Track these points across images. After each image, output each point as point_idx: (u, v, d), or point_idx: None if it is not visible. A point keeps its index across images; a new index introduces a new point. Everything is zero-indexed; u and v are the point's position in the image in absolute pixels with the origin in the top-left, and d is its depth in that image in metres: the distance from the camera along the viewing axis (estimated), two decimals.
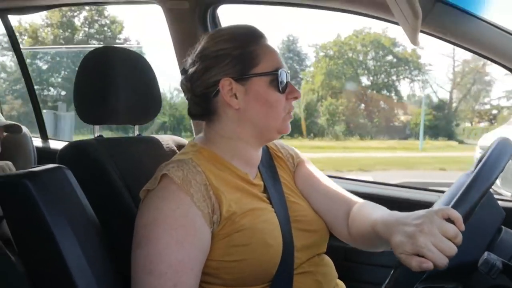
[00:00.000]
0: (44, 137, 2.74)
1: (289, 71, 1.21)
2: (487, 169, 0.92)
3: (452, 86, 19.90)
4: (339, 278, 1.29)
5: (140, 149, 1.41)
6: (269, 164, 1.31)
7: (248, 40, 1.18)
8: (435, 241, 0.87)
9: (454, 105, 20.31)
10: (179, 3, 1.92)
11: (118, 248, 1.15)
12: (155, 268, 1.00)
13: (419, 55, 20.78)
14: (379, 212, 1.14)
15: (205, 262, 1.07)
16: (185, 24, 1.98)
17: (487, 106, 20.09)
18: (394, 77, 21.67)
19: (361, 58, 21.78)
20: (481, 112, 19.64)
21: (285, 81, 1.17)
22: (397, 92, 21.99)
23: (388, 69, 21.52)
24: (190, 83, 1.19)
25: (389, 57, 21.48)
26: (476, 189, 0.90)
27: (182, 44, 2.00)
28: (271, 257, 1.09)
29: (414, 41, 1.25)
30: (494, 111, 19.20)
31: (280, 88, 1.16)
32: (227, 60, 1.15)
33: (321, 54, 21.65)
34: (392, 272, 1.15)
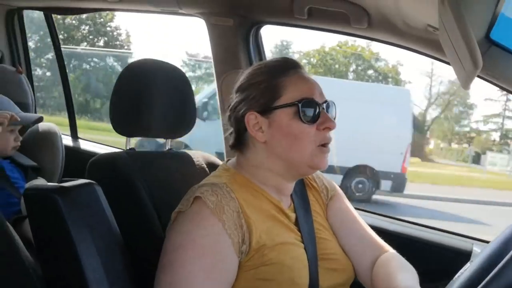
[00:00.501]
0: (75, 136, 2.76)
1: (326, 101, 1.17)
2: None
3: (427, 105, 19.82)
4: None
5: (171, 165, 1.40)
6: (302, 194, 1.28)
7: (278, 71, 1.16)
8: None
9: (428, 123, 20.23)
10: (224, 20, 1.92)
11: (141, 269, 1.13)
12: None
13: (400, 72, 20.95)
14: (404, 277, 1.10)
15: None
16: (227, 40, 1.99)
17: (467, 128, 20.07)
18: None
19: (342, 69, 21.90)
20: (460, 133, 19.71)
21: (312, 111, 1.13)
22: None
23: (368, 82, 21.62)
24: (229, 117, 1.21)
25: (370, 71, 21.52)
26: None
27: (222, 60, 2.00)
28: None
29: (466, 86, 1.20)
30: (473, 134, 19.14)
31: (304, 119, 1.12)
32: (254, 94, 1.15)
33: (304, 61, 21.81)
34: None
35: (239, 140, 1.19)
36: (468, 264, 1.11)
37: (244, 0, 1.81)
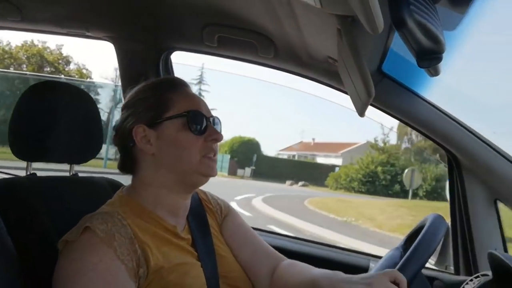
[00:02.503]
0: None
1: (212, 116, 1.22)
2: (427, 242, 0.97)
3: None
4: None
5: (75, 190, 1.35)
6: (200, 215, 1.29)
7: (165, 88, 1.19)
8: None
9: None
10: (134, 45, 1.92)
11: None
12: None
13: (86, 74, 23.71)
14: (318, 270, 1.18)
15: None
16: (137, 65, 1.97)
17: None
18: None
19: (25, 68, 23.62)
20: None
21: (200, 123, 1.16)
22: None
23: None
24: (115, 137, 1.21)
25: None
26: (416, 260, 0.94)
27: (131, 84, 1.96)
28: None
29: (361, 113, 1.31)
30: None
31: (192, 130, 1.15)
32: (142, 108, 1.16)
33: None
34: None
35: (128, 158, 1.19)
36: None
37: (154, 25, 1.81)
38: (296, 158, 33.90)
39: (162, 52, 1.97)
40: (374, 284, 0.98)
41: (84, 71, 25.65)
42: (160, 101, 1.16)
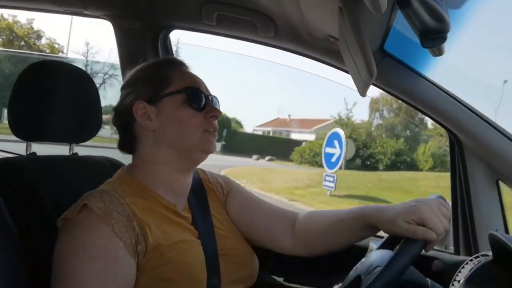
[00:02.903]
0: None
1: (210, 95, 1.24)
2: None
3: None
4: None
5: (75, 170, 1.35)
6: (200, 194, 1.31)
7: (164, 66, 1.22)
8: (436, 213, 1.01)
9: None
10: (132, 23, 1.89)
11: (44, 279, 1.06)
12: None
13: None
14: (341, 210, 1.26)
15: None
16: (135, 44, 1.95)
17: None
18: None
19: None
20: None
21: (201, 100, 1.19)
22: None
23: None
24: (115, 116, 1.22)
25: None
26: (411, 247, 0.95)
27: (130, 64, 1.93)
28: None
29: (363, 93, 1.30)
30: None
31: (192, 106, 1.17)
32: (142, 85, 1.19)
33: None
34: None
35: (128, 136, 1.21)
36: (363, 259, 1.20)
37: (153, 3, 1.79)
38: (271, 134, 33.81)
39: (161, 31, 1.94)
40: (426, 201, 1.06)
41: (56, 45, 25.38)
42: (159, 78, 1.19)
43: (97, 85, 1.46)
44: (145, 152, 1.19)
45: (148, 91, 1.17)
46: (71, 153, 1.46)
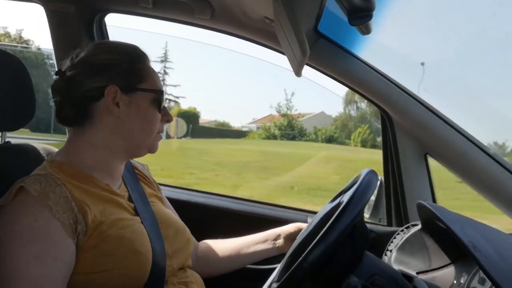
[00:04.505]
0: None
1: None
2: (359, 196, 1.01)
3: None
4: None
5: (7, 158, 1.30)
6: (131, 174, 1.34)
7: (136, 57, 1.23)
8: None
9: None
10: (64, 6, 1.83)
11: None
12: (14, 286, 0.94)
13: None
14: (235, 239, 1.55)
15: (72, 277, 1.02)
16: (69, 28, 1.89)
17: None
18: None
19: None
20: None
21: (163, 103, 1.23)
22: None
23: None
24: (67, 85, 1.17)
25: None
26: (350, 214, 0.98)
27: (64, 49, 1.89)
28: (141, 265, 1.09)
29: (298, 73, 1.34)
30: None
31: (158, 109, 1.21)
32: (116, 70, 1.17)
33: None
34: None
35: (81, 112, 1.17)
36: (301, 232, 1.25)
37: None
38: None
39: (95, 14, 1.89)
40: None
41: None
42: (134, 70, 1.19)
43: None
44: (96, 134, 1.17)
45: (124, 79, 1.17)
46: (3, 141, 1.40)
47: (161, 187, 1.50)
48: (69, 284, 1.02)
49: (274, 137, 24.75)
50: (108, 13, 1.93)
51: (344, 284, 0.96)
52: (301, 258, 0.95)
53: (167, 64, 33.84)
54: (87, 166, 1.17)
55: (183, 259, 1.26)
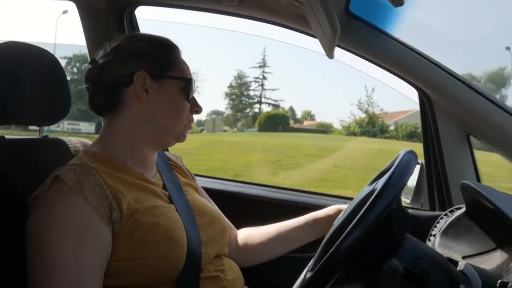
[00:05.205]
0: None
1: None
2: (395, 179, 0.96)
3: None
4: (246, 283, 1.31)
5: (45, 152, 1.33)
6: (165, 164, 1.36)
7: (166, 46, 1.24)
8: None
9: None
10: (95, 1, 1.85)
11: (18, 266, 1.03)
12: (52, 274, 0.95)
13: None
14: (277, 224, 1.52)
15: (108, 264, 1.03)
16: (100, 23, 1.92)
17: None
18: None
19: None
20: None
21: (192, 93, 1.23)
22: None
23: None
24: (98, 72, 1.19)
25: None
26: (385, 198, 0.94)
27: (97, 44, 1.90)
28: (176, 252, 1.09)
29: (330, 54, 1.30)
30: None
31: (187, 98, 1.21)
32: (146, 57, 1.19)
33: None
34: (302, 277, 1.18)
35: (111, 98, 1.19)
36: (337, 218, 1.22)
37: None
38: None
39: (126, 8, 1.92)
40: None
41: None
42: (165, 57, 1.21)
43: None
44: (126, 122, 1.19)
45: (153, 65, 1.18)
46: (41, 136, 1.43)
47: (196, 177, 1.50)
48: (105, 272, 1.03)
49: (354, 134, 24.70)
50: (138, 6, 1.94)
51: (385, 267, 0.92)
52: (334, 246, 0.91)
53: (266, 69, 34.36)
54: (120, 155, 1.18)
55: (219, 247, 1.26)
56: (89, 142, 1.47)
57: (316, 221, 1.47)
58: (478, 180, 1.64)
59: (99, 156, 1.16)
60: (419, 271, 0.94)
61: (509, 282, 0.85)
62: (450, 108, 1.58)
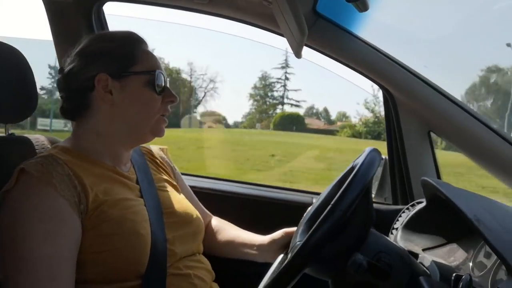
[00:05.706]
0: None
1: (168, 78, 1.25)
2: (360, 176, 1.00)
3: None
4: (217, 280, 1.33)
5: (12, 149, 1.31)
6: (140, 157, 1.34)
7: (128, 41, 1.21)
8: None
9: None
10: None
11: None
12: (27, 266, 0.94)
13: None
14: (237, 231, 1.50)
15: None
16: (68, 19, 1.88)
17: None
18: None
19: None
20: None
21: (162, 83, 1.20)
22: None
23: None
24: (65, 80, 1.18)
25: None
26: (350, 194, 0.97)
27: (64, 40, 1.88)
28: (141, 246, 1.08)
29: (298, 54, 1.33)
30: None
31: (157, 90, 1.19)
32: (106, 58, 1.17)
33: None
34: (272, 269, 1.21)
35: (80, 103, 1.18)
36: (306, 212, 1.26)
37: None
38: None
39: (94, 3, 1.88)
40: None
41: None
42: (126, 54, 1.18)
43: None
44: (97, 123, 1.18)
45: (113, 65, 1.16)
46: (7, 134, 1.41)
47: (185, 177, 1.51)
48: None
49: (359, 135, 24.84)
50: (106, 2, 1.91)
51: (350, 262, 0.96)
52: (303, 241, 0.94)
53: (288, 70, 33.91)
54: (95, 152, 1.18)
55: (191, 247, 1.26)
56: (59, 139, 1.46)
57: (264, 246, 1.41)
58: (438, 174, 1.71)
59: (69, 151, 1.15)
60: (382, 264, 0.99)
61: (463, 275, 0.89)
62: (413, 106, 1.64)
